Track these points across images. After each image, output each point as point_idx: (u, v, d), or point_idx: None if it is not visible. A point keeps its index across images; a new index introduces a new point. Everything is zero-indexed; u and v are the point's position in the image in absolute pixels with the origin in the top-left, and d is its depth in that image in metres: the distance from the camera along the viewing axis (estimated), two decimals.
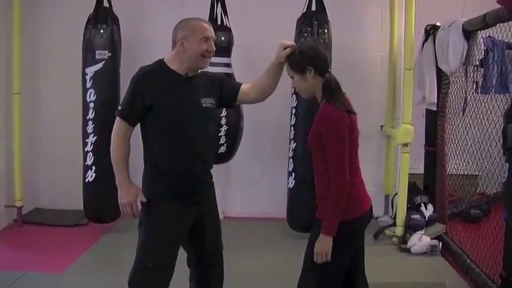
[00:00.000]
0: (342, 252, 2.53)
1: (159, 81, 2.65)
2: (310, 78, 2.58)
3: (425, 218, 4.81)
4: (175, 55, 2.68)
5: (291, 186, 4.83)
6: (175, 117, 2.63)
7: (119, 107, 2.71)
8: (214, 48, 2.70)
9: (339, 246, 2.51)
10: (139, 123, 2.71)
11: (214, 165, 2.90)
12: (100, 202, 4.80)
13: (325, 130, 2.49)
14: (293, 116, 4.81)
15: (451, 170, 4.99)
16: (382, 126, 5.58)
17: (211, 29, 2.73)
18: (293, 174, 4.78)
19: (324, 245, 2.49)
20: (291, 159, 4.81)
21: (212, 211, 2.90)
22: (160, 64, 2.70)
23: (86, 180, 4.78)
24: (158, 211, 2.67)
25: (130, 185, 2.69)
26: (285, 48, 2.67)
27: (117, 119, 2.68)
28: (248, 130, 5.05)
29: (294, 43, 2.73)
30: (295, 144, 4.79)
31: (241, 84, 2.94)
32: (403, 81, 4.87)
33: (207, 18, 4.73)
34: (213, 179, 2.89)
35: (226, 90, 2.88)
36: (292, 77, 2.65)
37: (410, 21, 4.69)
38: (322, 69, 2.59)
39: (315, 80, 2.58)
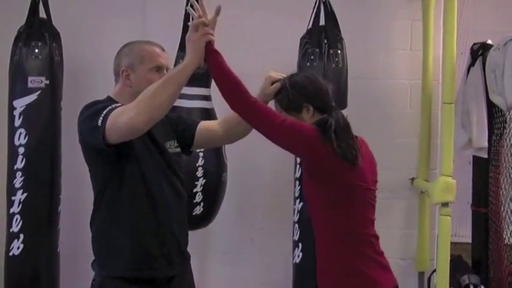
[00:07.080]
0: None
1: None
2: (308, 118, 2.43)
3: None
4: (120, 91, 2.51)
5: (298, 261, 4.09)
6: (140, 165, 2.46)
7: (101, 117, 2.29)
8: None
9: None
10: (91, 171, 2.53)
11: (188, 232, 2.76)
12: (30, 284, 4.16)
13: None
14: (298, 165, 4.04)
15: (511, 239, 4.40)
16: (413, 179, 4.85)
17: (165, 55, 2.61)
18: (300, 244, 4.09)
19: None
20: (296, 225, 4.11)
21: None
22: (111, 103, 2.44)
23: (11, 254, 4.13)
24: None
25: None
26: (272, 83, 2.54)
27: (113, 113, 2.29)
28: (233, 184, 4.34)
29: (283, 76, 2.56)
30: (301, 203, 4.06)
31: (199, 121, 2.82)
32: (441, 119, 4.21)
33: (179, 36, 4.06)
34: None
35: (180, 129, 2.68)
36: None
37: (451, 38, 3.96)
38: (323, 104, 2.44)
39: (314, 119, 2.42)
